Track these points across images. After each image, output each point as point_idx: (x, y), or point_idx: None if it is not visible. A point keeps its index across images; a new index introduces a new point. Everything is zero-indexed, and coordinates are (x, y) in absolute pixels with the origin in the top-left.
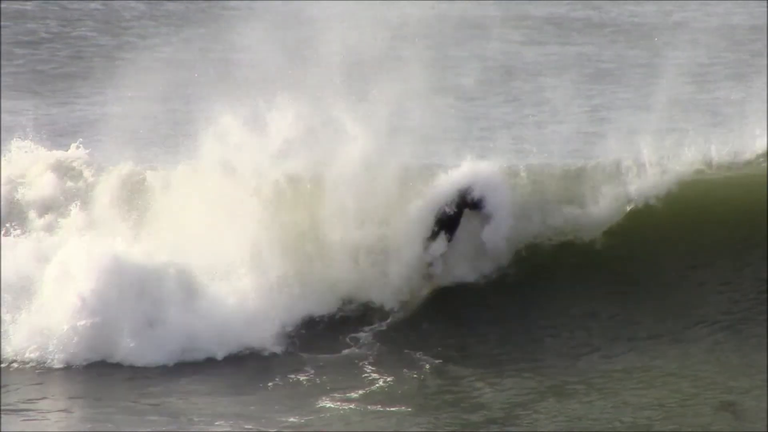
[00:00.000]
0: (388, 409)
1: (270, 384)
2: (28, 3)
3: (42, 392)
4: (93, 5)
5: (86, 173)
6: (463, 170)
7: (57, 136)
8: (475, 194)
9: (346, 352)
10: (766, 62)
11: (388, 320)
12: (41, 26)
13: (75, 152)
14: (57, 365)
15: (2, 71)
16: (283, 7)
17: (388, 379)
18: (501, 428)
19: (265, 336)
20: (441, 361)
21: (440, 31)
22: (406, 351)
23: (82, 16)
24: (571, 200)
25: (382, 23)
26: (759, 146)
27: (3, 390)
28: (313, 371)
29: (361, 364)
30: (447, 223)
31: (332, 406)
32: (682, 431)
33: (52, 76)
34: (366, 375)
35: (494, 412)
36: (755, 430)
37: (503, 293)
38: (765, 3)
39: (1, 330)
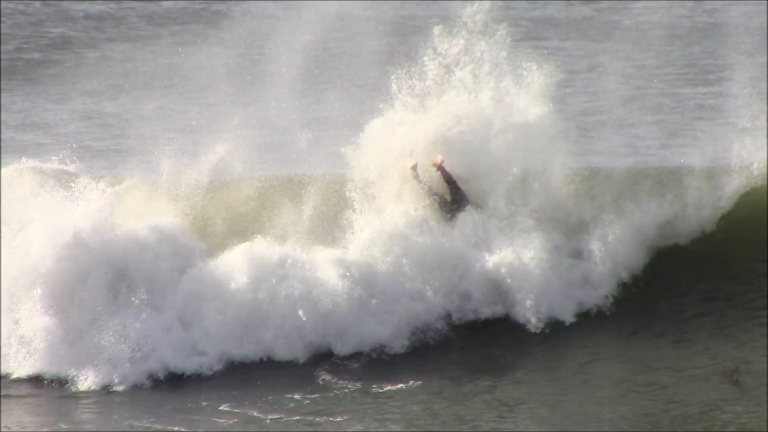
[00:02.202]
0: (394, 387)
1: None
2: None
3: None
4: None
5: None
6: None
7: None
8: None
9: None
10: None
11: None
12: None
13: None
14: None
15: None
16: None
17: (392, 345)
18: (511, 411)
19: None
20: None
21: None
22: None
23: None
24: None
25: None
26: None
27: None
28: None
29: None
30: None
31: (333, 380)
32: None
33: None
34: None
35: (509, 389)
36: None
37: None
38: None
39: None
